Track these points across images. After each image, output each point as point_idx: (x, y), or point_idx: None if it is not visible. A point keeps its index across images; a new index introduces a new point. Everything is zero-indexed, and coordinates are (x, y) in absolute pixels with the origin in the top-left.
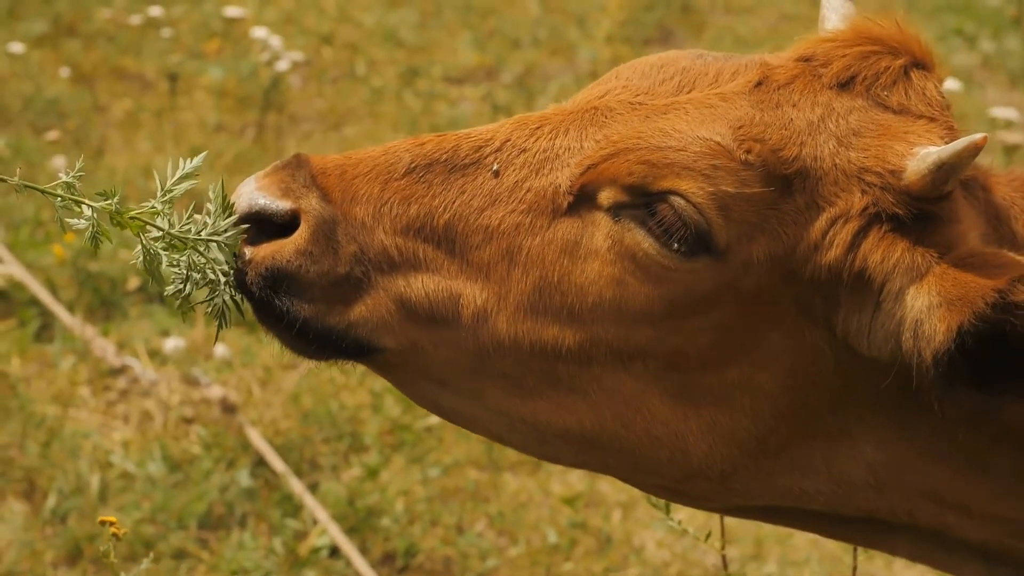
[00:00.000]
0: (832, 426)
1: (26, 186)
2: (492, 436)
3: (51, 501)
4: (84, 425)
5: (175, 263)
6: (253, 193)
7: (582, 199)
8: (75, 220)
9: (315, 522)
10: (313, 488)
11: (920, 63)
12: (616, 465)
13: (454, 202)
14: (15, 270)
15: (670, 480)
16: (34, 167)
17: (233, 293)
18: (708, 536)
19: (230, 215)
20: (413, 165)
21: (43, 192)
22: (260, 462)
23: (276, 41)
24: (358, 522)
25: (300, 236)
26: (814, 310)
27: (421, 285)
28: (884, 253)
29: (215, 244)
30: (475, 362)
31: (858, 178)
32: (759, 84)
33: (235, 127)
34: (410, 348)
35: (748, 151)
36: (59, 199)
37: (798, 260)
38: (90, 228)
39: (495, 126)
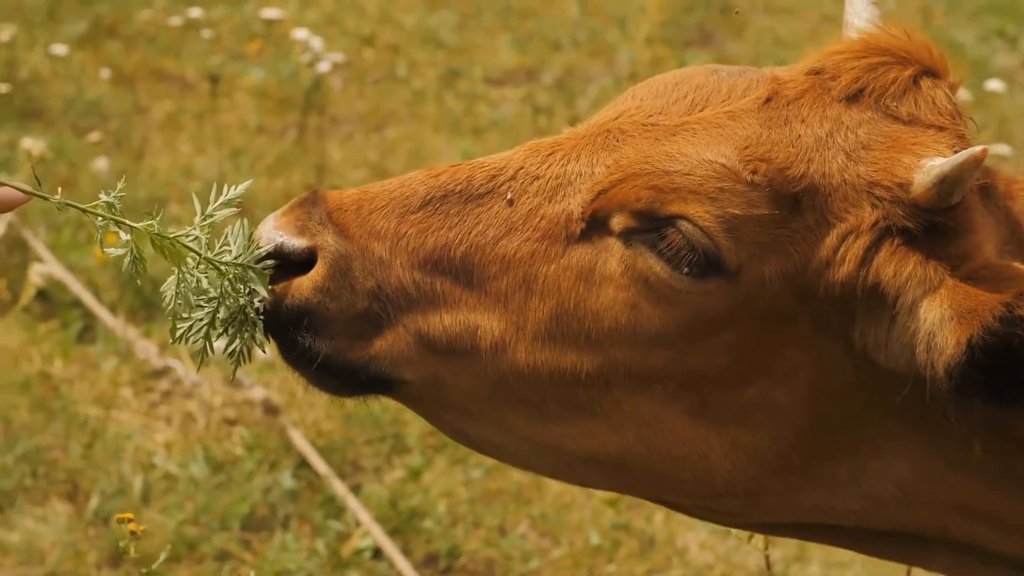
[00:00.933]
0: (857, 441)
1: (67, 204)
2: (520, 464)
3: (94, 502)
4: (127, 426)
5: (206, 293)
6: (271, 232)
7: (594, 225)
8: (112, 249)
9: (358, 524)
10: (356, 490)
11: (930, 71)
12: (644, 487)
13: (470, 232)
14: (58, 271)
15: (698, 499)
16: (76, 168)
17: (255, 330)
18: (751, 537)
19: (253, 250)
20: (429, 197)
21: (84, 211)
22: (303, 463)
23: (317, 42)
24: (401, 523)
25: (317, 273)
26: (830, 326)
27: (439, 319)
28: (896, 267)
29: (252, 273)
30: (496, 391)
31: (868, 192)
32: (768, 100)
33: (276, 129)
34: (431, 380)
35: (754, 171)
36: (100, 219)
37: (811, 277)
38: (128, 255)
39: (508, 154)
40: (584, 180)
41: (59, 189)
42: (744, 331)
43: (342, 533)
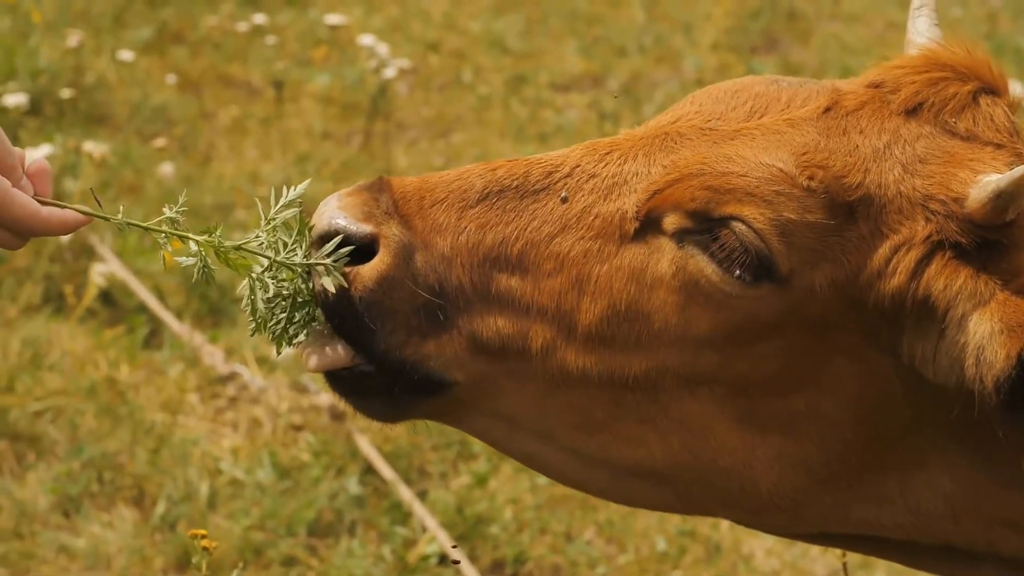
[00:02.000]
0: (905, 456)
1: (129, 224)
2: (567, 479)
3: (160, 508)
4: (193, 432)
5: (277, 294)
6: (335, 212)
7: (648, 225)
8: (183, 258)
9: (424, 530)
10: (422, 496)
11: (990, 89)
12: (688, 499)
13: (526, 229)
14: (124, 276)
15: (744, 511)
16: (141, 174)
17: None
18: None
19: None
20: (486, 191)
21: (146, 229)
22: (369, 469)
23: (383, 48)
24: (467, 530)
25: (381, 262)
26: (879, 337)
27: (493, 321)
28: (947, 280)
29: (321, 268)
30: (544, 396)
31: (922, 206)
32: (828, 110)
33: (341, 134)
34: (480, 382)
35: (811, 178)
36: (163, 235)
37: (861, 287)
38: (198, 264)
39: (566, 151)
40: (640, 180)
41: (120, 208)
42: (793, 338)
43: (408, 539)
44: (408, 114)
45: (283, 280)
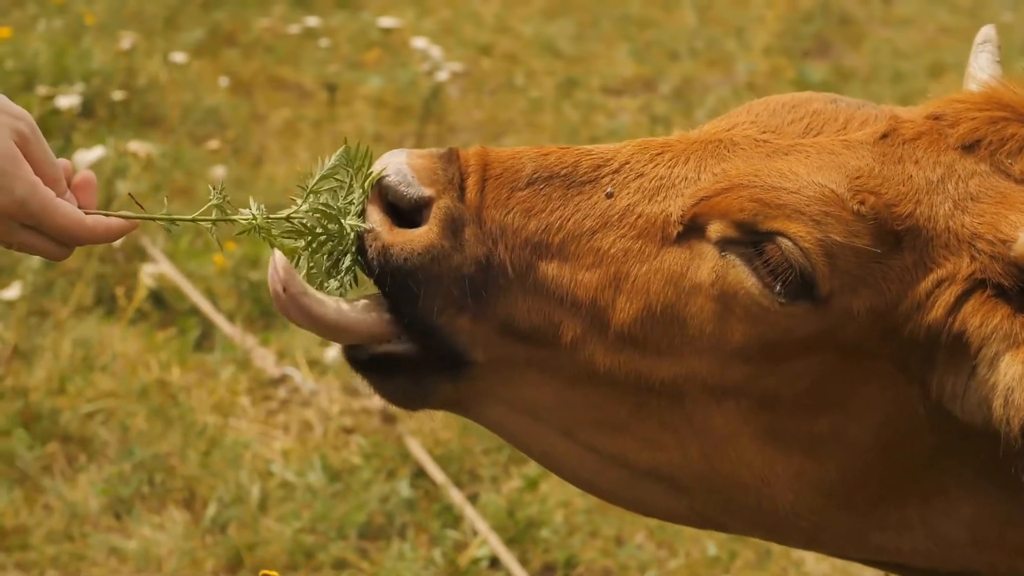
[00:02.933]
0: (927, 485)
1: (173, 220)
2: (580, 479)
3: (211, 510)
4: (244, 434)
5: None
6: (401, 165)
7: (691, 230)
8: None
9: (475, 533)
10: (473, 499)
11: None
12: (703, 510)
13: (569, 220)
14: (176, 278)
15: (760, 528)
16: (193, 176)
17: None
18: None
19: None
20: (535, 176)
21: (192, 220)
22: (420, 473)
23: (436, 51)
24: (518, 533)
25: (430, 231)
26: (910, 367)
27: (527, 305)
28: (983, 318)
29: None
30: (567, 390)
31: (969, 243)
32: (885, 136)
33: (394, 137)
34: (503, 366)
35: (862, 202)
36: (211, 223)
37: (899, 317)
38: (252, 233)
39: (618, 146)
40: (688, 185)
41: (164, 200)
42: (825, 359)
43: (459, 542)
44: (460, 117)
45: (330, 239)
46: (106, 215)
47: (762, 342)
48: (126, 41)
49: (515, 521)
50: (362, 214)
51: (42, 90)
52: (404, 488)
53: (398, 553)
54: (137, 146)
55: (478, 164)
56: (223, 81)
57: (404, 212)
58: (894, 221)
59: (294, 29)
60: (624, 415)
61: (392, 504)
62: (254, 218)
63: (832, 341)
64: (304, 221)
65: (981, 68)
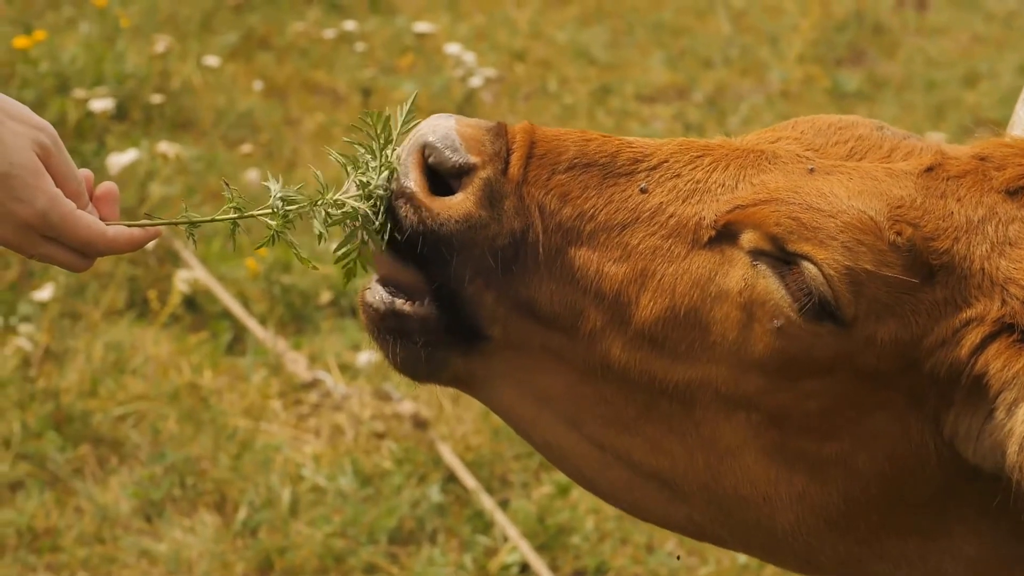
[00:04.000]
0: (930, 522)
1: (194, 223)
2: (582, 475)
3: (242, 513)
4: (275, 438)
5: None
6: (448, 128)
7: (724, 236)
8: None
9: (505, 539)
10: (504, 505)
11: None
12: (702, 521)
13: (601, 210)
14: (208, 282)
15: (757, 547)
16: (227, 179)
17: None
18: None
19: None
20: (575, 161)
21: (213, 221)
22: (451, 478)
23: (470, 57)
24: (548, 539)
25: (467, 199)
26: (926, 403)
27: (551, 289)
28: (1007, 362)
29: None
30: (579, 381)
31: (1003, 287)
32: (930, 169)
33: None
34: (518, 346)
35: (899, 233)
36: (232, 222)
37: (923, 351)
38: (274, 236)
39: (660, 142)
40: (725, 191)
41: (184, 207)
42: (841, 383)
43: (489, 548)
44: None
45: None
46: (128, 225)
47: (782, 356)
48: (160, 44)
49: (545, 527)
50: (390, 177)
51: (77, 93)
52: (435, 493)
53: (428, 558)
54: (169, 148)
55: (524, 140)
56: (257, 85)
57: (441, 177)
58: (930, 255)
59: (328, 33)
60: (633, 414)
61: (423, 509)
62: (274, 212)
63: (851, 365)
64: (331, 207)
65: None
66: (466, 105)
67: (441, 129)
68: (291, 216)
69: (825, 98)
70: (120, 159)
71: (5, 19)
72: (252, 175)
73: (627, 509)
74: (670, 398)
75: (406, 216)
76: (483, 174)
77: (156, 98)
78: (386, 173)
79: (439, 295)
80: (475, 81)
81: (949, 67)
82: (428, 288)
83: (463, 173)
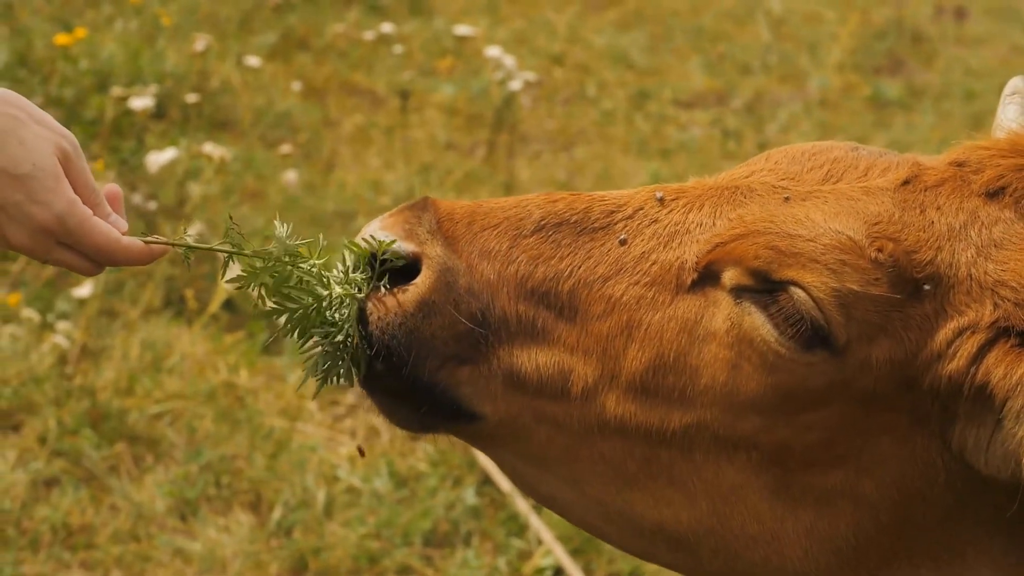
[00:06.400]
0: (941, 546)
1: (190, 248)
2: (588, 527)
3: (277, 513)
4: (311, 439)
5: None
6: (377, 232)
7: (706, 277)
8: (234, 279)
9: (540, 542)
10: (538, 508)
11: None
12: (711, 567)
13: (579, 267)
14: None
15: None
16: (264, 180)
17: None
18: None
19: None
20: (543, 223)
21: (210, 250)
22: (486, 481)
23: (510, 61)
24: (583, 543)
25: (423, 283)
26: (929, 420)
27: (535, 357)
28: (1008, 369)
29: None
30: (576, 442)
31: (992, 291)
32: (907, 182)
33: (465, 145)
34: (510, 420)
35: (880, 249)
36: (226, 255)
37: (919, 367)
38: (254, 286)
39: (631, 192)
40: (704, 231)
41: (183, 229)
42: (840, 411)
43: (524, 551)
44: (532, 127)
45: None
46: (144, 241)
47: (777, 392)
48: (200, 43)
49: (580, 531)
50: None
51: (116, 91)
52: (470, 496)
53: (462, 561)
54: (211, 148)
55: (466, 215)
56: (296, 85)
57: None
58: (914, 268)
59: (368, 35)
60: (633, 469)
61: (458, 511)
62: (265, 259)
63: (848, 392)
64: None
65: (1009, 119)
66: (505, 109)
67: (366, 233)
68: (277, 269)
69: (864, 106)
70: (159, 158)
71: (46, 16)
72: (290, 176)
73: (638, 556)
74: (669, 447)
75: (373, 330)
76: (428, 253)
77: (195, 97)
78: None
79: (416, 392)
80: (514, 85)
81: (988, 77)
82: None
83: (414, 262)
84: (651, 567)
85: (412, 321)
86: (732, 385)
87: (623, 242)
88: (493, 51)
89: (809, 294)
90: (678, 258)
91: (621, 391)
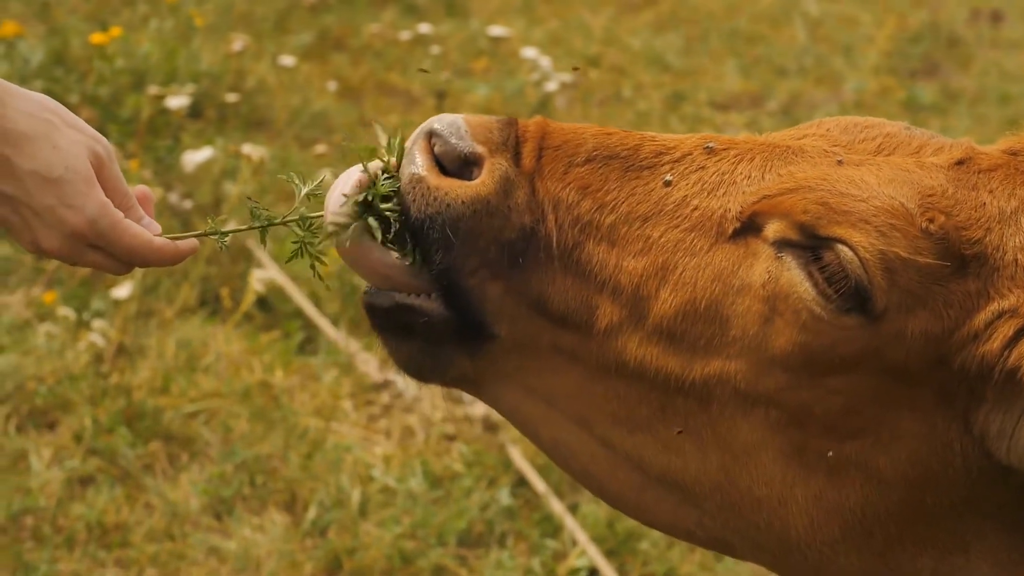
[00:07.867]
0: (947, 537)
1: (223, 233)
2: (589, 477)
3: (312, 513)
4: (346, 439)
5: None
6: (456, 120)
7: (748, 228)
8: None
9: (574, 543)
10: (573, 509)
11: None
12: (712, 525)
13: (623, 203)
14: (281, 281)
15: (766, 552)
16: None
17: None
18: None
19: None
20: (595, 154)
21: (248, 229)
22: (521, 481)
23: (545, 61)
24: (617, 544)
25: (482, 184)
26: (955, 401)
27: (567, 285)
28: None
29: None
30: (591, 379)
31: None
32: (960, 163)
33: None
34: (526, 344)
35: (931, 220)
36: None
37: (953, 345)
38: (301, 248)
39: (683, 136)
40: (751, 183)
41: (210, 220)
42: (866, 379)
43: (558, 552)
44: None
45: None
46: (173, 238)
47: (805, 352)
48: (236, 43)
49: (615, 532)
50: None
51: (152, 90)
52: (505, 496)
53: (497, 561)
54: (249, 149)
55: (536, 132)
56: (331, 85)
57: (449, 171)
58: (962, 244)
59: (404, 35)
60: (646, 413)
61: (492, 512)
62: (299, 221)
63: (878, 362)
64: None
65: None
66: (541, 110)
67: (447, 118)
68: (315, 226)
69: (899, 110)
70: (195, 157)
71: (82, 16)
72: (325, 175)
73: (635, 514)
74: (686, 395)
75: (414, 201)
76: (496, 161)
77: (231, 97)
78: (393, 160)
79: (441, 283)
80: (550, 86)
81: (1023, 81)
82: (434, 285)
83: (472, 163)
84: (686, 568)
85: (464, 210)
86: (761, 339)
87: (667, 183)
88: (529, 52)
89: (856, 253)
90: (721, 206)
91: (646, 333)
